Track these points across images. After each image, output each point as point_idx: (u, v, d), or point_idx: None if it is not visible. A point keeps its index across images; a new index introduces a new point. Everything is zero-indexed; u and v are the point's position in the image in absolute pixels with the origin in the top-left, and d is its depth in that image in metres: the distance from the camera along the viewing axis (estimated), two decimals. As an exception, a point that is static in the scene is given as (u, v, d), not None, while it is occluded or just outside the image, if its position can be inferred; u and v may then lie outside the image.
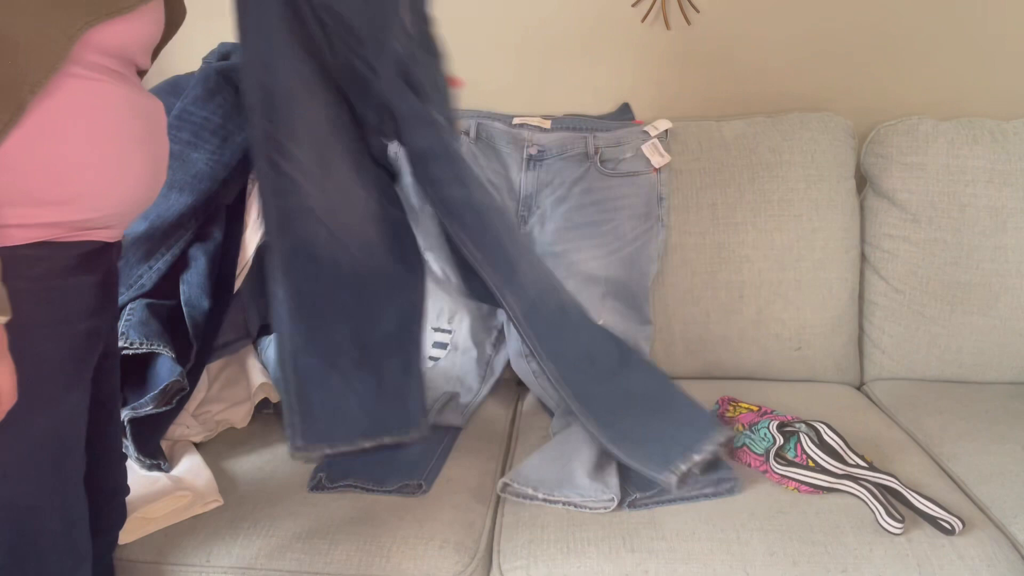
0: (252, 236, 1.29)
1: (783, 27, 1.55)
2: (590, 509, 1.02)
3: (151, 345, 1.07)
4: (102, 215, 0.71)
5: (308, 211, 0.94)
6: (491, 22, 1.59)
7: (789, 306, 1.42)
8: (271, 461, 1.17)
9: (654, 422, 1.08)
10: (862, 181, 1.53)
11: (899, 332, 1.44)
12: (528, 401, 1.41)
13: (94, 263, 0.73)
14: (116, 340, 0.90)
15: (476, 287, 1.16)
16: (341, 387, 0.92)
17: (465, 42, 1.60)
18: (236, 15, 0.90)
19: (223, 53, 1.30)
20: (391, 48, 1.03)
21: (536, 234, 1.41)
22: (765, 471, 1.08)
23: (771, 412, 1.23)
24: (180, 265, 1.18)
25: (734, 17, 1.55)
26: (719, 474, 1.05)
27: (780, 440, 1.10)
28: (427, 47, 1.16)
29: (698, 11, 1.55)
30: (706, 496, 1.04)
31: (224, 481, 1.11)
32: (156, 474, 1.11)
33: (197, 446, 1.20)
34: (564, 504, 1.03)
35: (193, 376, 1.15)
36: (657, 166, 1.42)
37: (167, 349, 1.09)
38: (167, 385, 1.07)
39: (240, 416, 1.28)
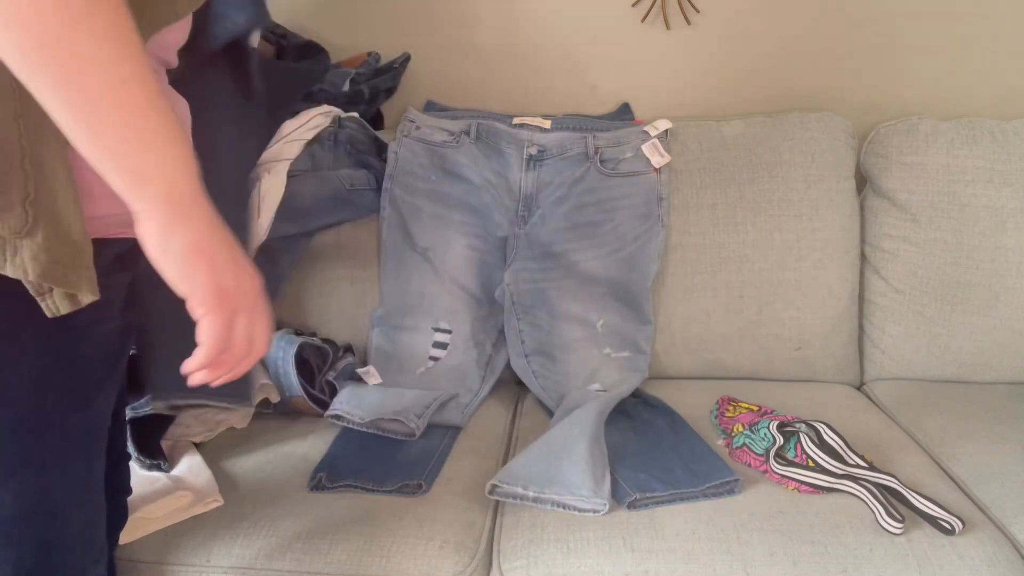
0: (252, 237, 1.29)
1: (783, 27, 1.55)
2: (579, 511, 1.02)
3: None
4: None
5: None
6: (491, 22, 1.59)
7: (789, 306, 1.42)
8: (271, 461, 1.17)
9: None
10: (862, 181, 1.53)
11: (899, 332, 1.44)
12: (528, 401, 1.41)
13: (128, 262, 0.74)
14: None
15: None
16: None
17: (465, 42, 1.61)
18: None
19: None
20: None
21: (536, 234, 1.41)
22: (765, 471, 1.08)
23: (771, 412, 1.23)
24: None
25: (734, 17, 1.55)
26: (719, 474, 1.05)
27: (780, 440, 1.10)
28: None
29: (698, 11, 1.55)
30: (706, 496, 1.04)
31: (224, 481, 1.11)
32: (156, 474, 1.11)
33: (197, 446, 1.20)
34: (553, 505, 1.03)
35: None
36: (657, 166, 1.42)
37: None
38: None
39: (240, 416, 1.28)
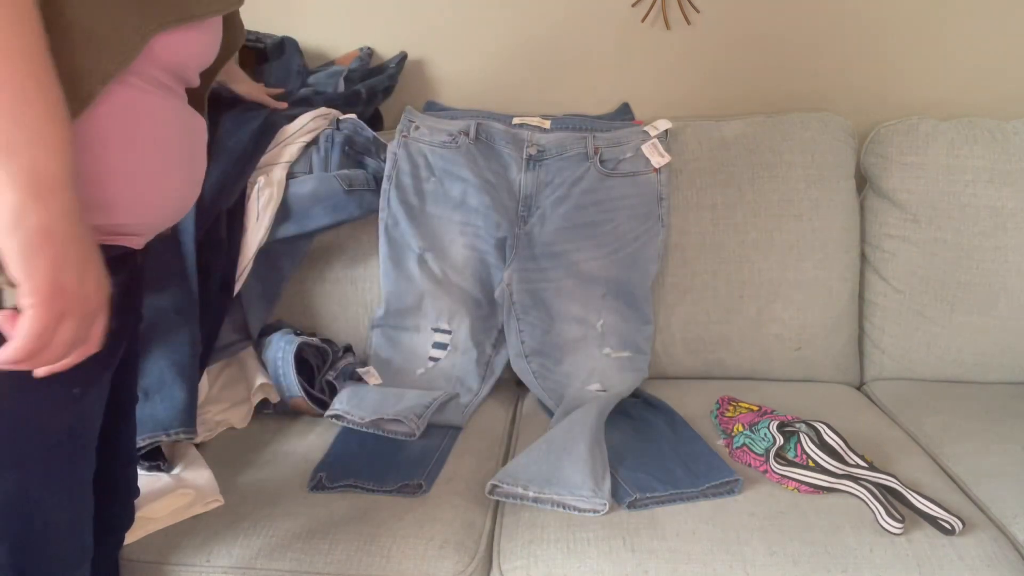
0: (252, 239, 1.29)
1: (783, 27, 1.55)
2: (579, 511, 1.02)
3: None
4: (136, 223, 0.71)
5: None
6: (491, 22, 1.59)
7: (789, 306, 1.42)
8: (271, 461, 1.18)
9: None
10: (862, 181, 1.53)
11: (899, 332, 1.44)
12: (528, 401, 1.41)
13: (117, 267, 0.73)
14: (136, 343, 0.90)
15: None
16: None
17: (465, 42, 1.61)
18: None
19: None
20: None
21: (536, 234, 1.41)
22: (765, 471, 1.08)
23: (771, 412, 1.23)
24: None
25: (734, 17, 1.55)
26: (719, 474, 1.05)
27: (780, 440, 1.10)
28: None
29: (698, 11, 1.55)
30: (706, 496, 1.04)
31: (224, 481, 1.11)
32: (157, 474, 1.11)
33: (197, 446, 1.20)
34: (553, 505, 1.03)
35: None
36: (657, 166, 1.42)
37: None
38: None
39: (240, 416, 1.28)
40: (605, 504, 1.01)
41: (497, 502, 1.09)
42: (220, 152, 1.25)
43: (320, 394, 1.32)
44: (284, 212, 1.32)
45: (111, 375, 0.76)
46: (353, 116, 1.42)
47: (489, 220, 1.40)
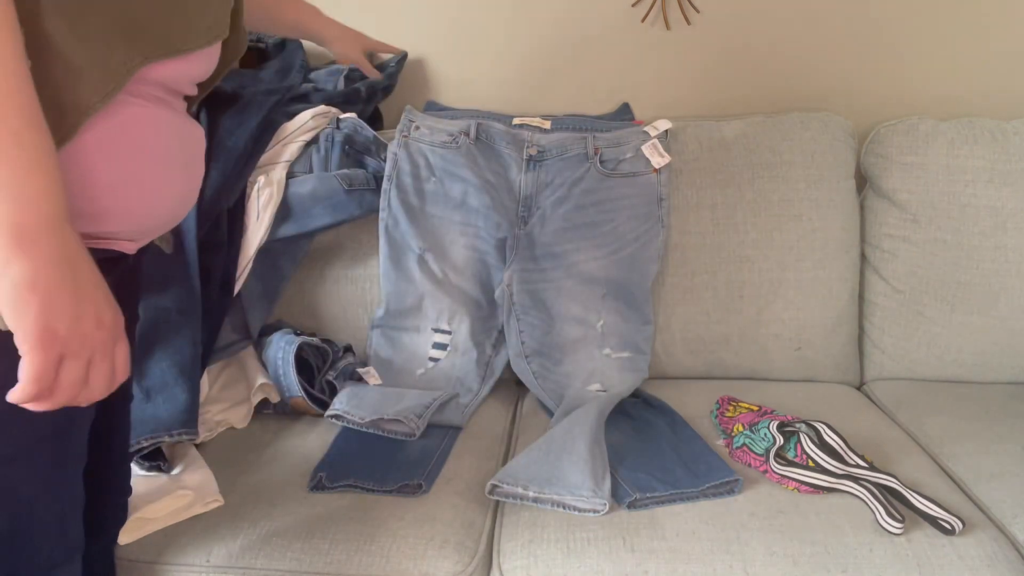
0: (252, 238, 1.29)
1: (783, 27, 1.55)
2: (578, 511, 1.02)
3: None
4: (129, 230, 0.72)
5: None
6: (491, 22, 1.59)
7: (789, 306, 1.42)
8: (271, 461, 1.17)
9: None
10: (862, 181, 1.53)
11: (899, 332, 1.44)
12: (528, 401, 1.41)
13: (108, 267, 0.74)
14: (132, 344, 0.90)
15: None
16: None
17: (465, 42, 1.61)
18: None
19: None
20: None
21: (536, 235, 1.41)
22: (765, 471, 1.08)
23: (771, 412, 1.23)
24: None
25: (734, 17, 1.55)
26: (719, 474, 1.05)
27: (780, 440, 1.10)
28: None
29: (698, 11, 1.55)
30: (706, 496, 1.04)
31: (224, 481, 1.11)
32: (156, 474, 1.11)
33: (197, 446, 1.20)
34: (553, 505, 1.03)
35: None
36: (657, 167, 1.42)
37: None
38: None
39: (240, 416, 1.28)
40: (605, 504, 1.01)
41: (497, 502, 1.09)
42: (220, 152, 1.25)
43: (320, 394, 1.32)
44: (284, 212, 1.32)
45: None
46: (353, 115, 1.42)
47: (489, 220, 1.40)
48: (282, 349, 1.29)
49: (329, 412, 1.25)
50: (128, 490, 0.94)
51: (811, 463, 1.06)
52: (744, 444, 1.13)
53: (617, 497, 1.04)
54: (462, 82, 1.63)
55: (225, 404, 1.30)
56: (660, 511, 1.01)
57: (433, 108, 1.58)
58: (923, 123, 1.44)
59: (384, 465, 1.14)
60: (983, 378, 1.43)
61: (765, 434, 1.12)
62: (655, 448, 1.15)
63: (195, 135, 0.79)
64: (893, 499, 1.01)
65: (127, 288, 0.82)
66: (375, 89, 1.52)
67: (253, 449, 1.21)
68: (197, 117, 1.17)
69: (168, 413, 1.08)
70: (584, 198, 1.41)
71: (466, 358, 1.41)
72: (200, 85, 0.85)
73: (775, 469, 1.06)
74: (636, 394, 1.34)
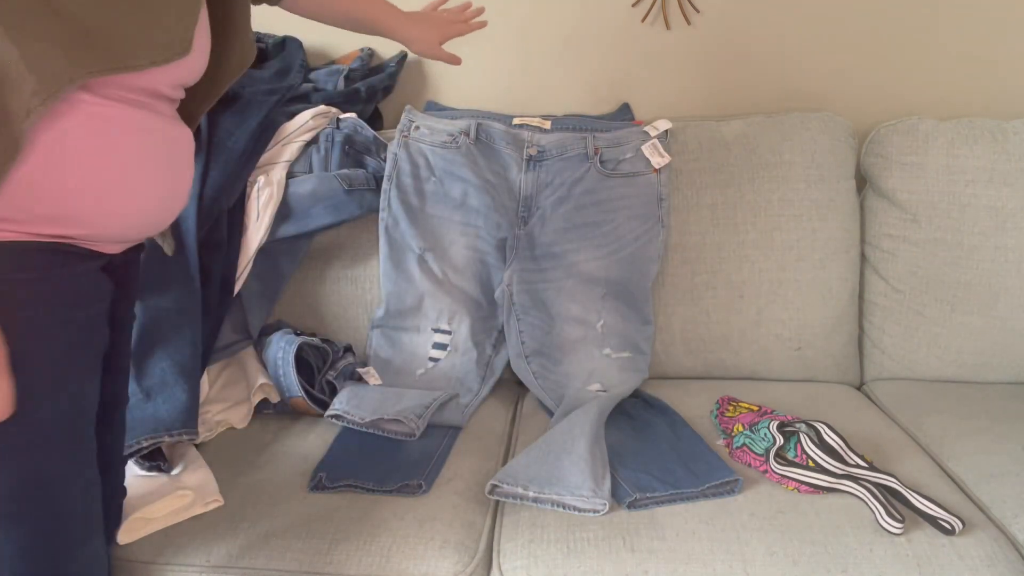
0: (252, 238, 1.29)
1: (783, 27, 1.55)
2: (578, 511, 1.02)
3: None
4: (104, 233, 0.72)
5: None
6: (491, 22, 1.59)
7: (789, 306, 1.42)
8: (271, 461, 1.17)
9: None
10: (862, 181, 1.53)
11: (899, 332, 1.44)
12: (528, 401, 1.41)
13: (93, 264, 0.74)
14: (128, 343, 0.90)
15: None
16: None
17: (465, 42, 1.61)
18: None
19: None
20: None
21: (536, 235, 1.41)
22: (765, 471, 1.08)
23: (771, 412, 1.23)
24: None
25: (734, 17, 1.55)
26: (719, 474, 1.05)
27: (780, 440, 1.10)
28: None
29: (698, 11, 1.55)
30: (706, 496, 1.04)
31: (224, 481, 1.11)
32: (156, 474, 1.11)
33: (197, 446, 1.20)
34: (553, 505, 1.03)
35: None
36: (657, 167, 1.42)
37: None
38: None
39: (240, 416, 1.29)
40: (605, 504, 1.01)
41: (497, 502, 1.09)
42: (220, 152, 1.25)
43: (320, 394, 1.32)
44: (284, 212, 1.32)
45: (99, 360, 0.77)
46: (353, 115, 1.42)
47: (489, 221, 1.40)
48: (282, 349, 1.29)
49: (329, 412, 1.25)
50: (123, 492, 0.94)
51: (811, 463, 1.06)
52: (744, 444, 1.13)
53: (617, 497, 1.04)
54: (462, 82, 1.63)
55: (225, 404, 1.30)
56: (660, 511, 1.01)
57: (433, 108, 1.58)
58: (923, 123, 1.44)
59: (384, 465, 1.14)
60: (983, 378, 1.43)
61: (765, 434, 1.12)
62: (655, 448, 1.15)
63: (180, 137, 0.79)
64: (893, 499, 1.01)
65: (122, 277, 0.83)
66: (375, 89, 1.52)
67: (253, 449, 1.21)
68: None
69: (168, 413, 1.08)
70: (584, 198, 1.41)
71: (466, 358, 1.41)
72: (198, 93, 0.84)
73: (775, 469, 1.06)
74: (636, 394, 1.34)
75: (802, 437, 1.09)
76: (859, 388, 1.49)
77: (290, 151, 1.36)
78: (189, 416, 1.10)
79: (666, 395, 1.33)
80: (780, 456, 1.08)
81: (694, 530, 0.97)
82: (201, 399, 1.26)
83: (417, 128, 1.46)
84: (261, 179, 1.31)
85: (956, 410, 1.29)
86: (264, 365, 1.32)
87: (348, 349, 1.42)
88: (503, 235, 1.41)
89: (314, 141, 1.39)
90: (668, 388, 1.38)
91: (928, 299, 1.42)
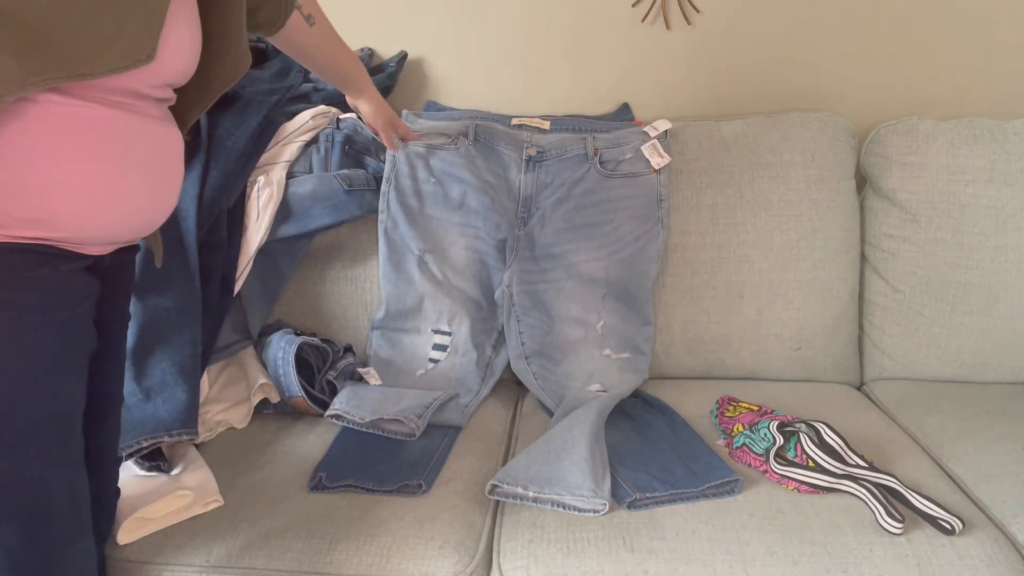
0: (252, 238, 1.29)
1: (783, 27, 1.55)
2: (578, 510, 1.02)
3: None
4: (85, 235, 0.72)
5: None
6: (490, 22, 1.59)
7: (789, 306, 1.42)
8: (271, 461, 1.17)
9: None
10: (862, 181, 1.53)
11: (899, 332, 1.44)
12: (528, 401, 1.41)
13: (81, 266, 0.74)
14: (122, 343, 0.90)
15: None
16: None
17: (465, 42, 1.61)
18: None
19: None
20: None
21: (536, 236, 1.41)
22: (765, 471, 1.08)
23: (771, 412, 1.23)
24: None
25: (734, 17, 1.55)
26: (719, 474, 1.05)
27: (780, 440, 1.10)
28: None
29: (698, 11, 1.55)
30: (706, 496, 1.04)
31: (224, 481, 1.11)
32: (156, 474, 1.11)
33: (197, 446, 1.20)
34: (553, 505, 1.03)
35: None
36: (657, 167, 1.42)
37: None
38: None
39: (240, 416, 1.28)
40: (605, 504, 1.01)
41: (497, 502, 1.09)
42: (220, 152, 1.25)
43: (320, 394, 1.32)
44: (284, 212, 1.32)
45: (86, 359, 0.76)
46: (353, 115, 1.42)
47: (489, 221, 1.40)
48: (282, 349, 1.29)
49: (329, 412, 1.25)
50: (116, 492, 0.94)
51: (811, 463, 1.06)
52: (744, 444, 1.13)
53: (617, 497, 1.04)
54: (462, 82, 1.63)
55: (225, 404, 1.30)
56: (660, 511, 1.01)
57: (433, 108, 1.58)
58: (923, 123, 1.44)
59: (384, 465, 1.14)
60: (983, 378, 1.43)
61: (765, 434, 1.12)
62: (655, 448, 1.15)
63: (168, 139, 0.78)
64: (893, 499, 1.01)
65: (113, 287, 0.82)
66: (375, 89, 1.52)
67: (253, 449, 1.21)
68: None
69: (168, 413, 1.08)
70: (584, 199, 1.41)
71: (466, 359, 1.41)
72: (188, 98, 0.84)
73: (775, 469, 1.06)
74: (636, 394, 1.34)
75: (802, 437, 1.09)
76: (859, 388, 1.49)
77: (290, 151, 1.36)
78: (189, 416, 1.10)
79: (666, 395, 1.33)
80: (780, 456, 1.08)
81: (694, 530, 0.97)
82: (201, 399, 1.26)
83: (416, 130, 1.46)
84: (261, 179, 1.31)
85: (956, 410, 1.29)
86: (264, 365, 1.32)
87: (348, 349, 1.42)
88: (503, 236, 1.41)
89: (314, 141, 1.39)
90: (668, 388, 1.38)
91: (928, 299, 1.42)
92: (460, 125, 1.45)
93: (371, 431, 1.22)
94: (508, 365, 1.42)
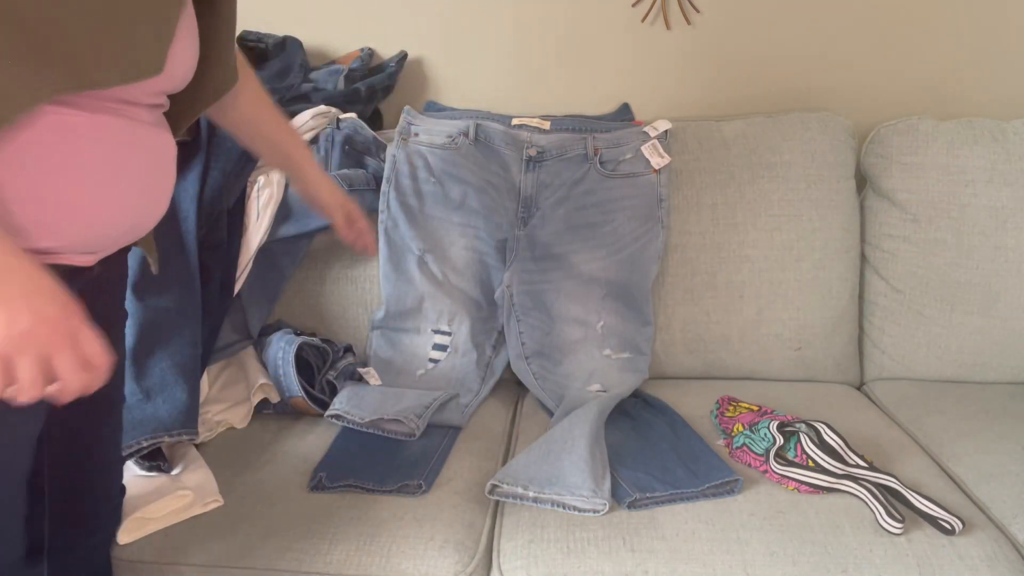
0: (252, 238, 1.29)
1: (783, 27, 1.55)
2: (578, 510, 1.02)
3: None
4: (70, 244, 0.69)
5: None
6: (490, 22, 1.59)
7: (789, 306, 1.42)
8: (271, 461, 1.17)
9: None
10: (862, 181, 1.53)
11: (899, 332, 1.44)
12: (528, 401, 1.41)
13: (69, 277, 0.72)
14: (120, 343, 0.90)
15: None
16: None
17: (465, 42, 1.61)
18: None
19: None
20: None
21: (536, 236, 1.41)
22: (765, 471, 1.08)
23: (771, 412, 1.23)
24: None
25: (734, 17, 1.55)
26: (719, 474, 1.05)
27: (780, 440, 1.10)
28: None
29: (698, 11, 1.55)
30: (706, 496, 1.04)
31: (224, 481, 1.11)
32: (156, 474, 1.11)
33: (197, 446, 1.20)
34: (553, 505, 1.03)
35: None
36: (657, 167, 1.42)
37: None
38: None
39: (240, 416, 1.29)
40: (605, 504, 1.01)
41: (497, 502, 1.09)
42: (220, 152, 1.25)
43: (320, 394, 1.32)
44: (284, 212, 1.32)
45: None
46: (353, 115, 1.42)
47: (489, 221, 1.40)
48: (282, 349, 1.29)
49: (329, 412, 1.25)
50: (122, 491, 0.94)
51: (811, 463, 1.06)
52: (744, 444, 1.13)
53: (617, 497, 1.04)
54: (462, 82, 1.63)
55: (225, 404, 1.30)
56: (660, 511, 1.01)
57: (433, 108, 1.58)
58: (923, 123, 1.44)
59: (384, 465, 1.14)
60: (983, 378, 1.43)
61: (765, 434, 1.12)
62: (655, 448, 1.15)
63: (159, 144, 0.76)
64: (893, 499, 1.01)
65: (103, 294, 0.81)
66: (375, 89, 1.52)
67: (253, 449, 1.21)
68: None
69: (168, 413, 1.08)
70: (584, 199, 1.41)
71: (466, 359, 1.41)
72: (176, 106, 0.83)
73: (775, 469, 1.06)
74: (636, 394, 1.34)
75: (802, 437, 1.09)
76: (859, 388, 1.49)
77: (290, 151, 1.35)
78: (189, 416, 1.10)
79: (666, 395, 1.33)
80: (780, 456, 1.08)
81: (694, 530, 0.97)
82: (201, 399, 1.26)
83: (416, 129, 1.46)
84: (261, 179, 1.31)
85: (956, 410, 1.29)
86: (264, 365, 1.32)
87: (348, 349, 1.42)
88: (503, 236, 1.41)
89: (314, 141, 1.39)
90: (668, 388, 1.38)
91: (928, 299, 1.42)
92: (461, 125, 1.45)
93: (371, 431, 1.22)
94: (508, 365, 1.42)
